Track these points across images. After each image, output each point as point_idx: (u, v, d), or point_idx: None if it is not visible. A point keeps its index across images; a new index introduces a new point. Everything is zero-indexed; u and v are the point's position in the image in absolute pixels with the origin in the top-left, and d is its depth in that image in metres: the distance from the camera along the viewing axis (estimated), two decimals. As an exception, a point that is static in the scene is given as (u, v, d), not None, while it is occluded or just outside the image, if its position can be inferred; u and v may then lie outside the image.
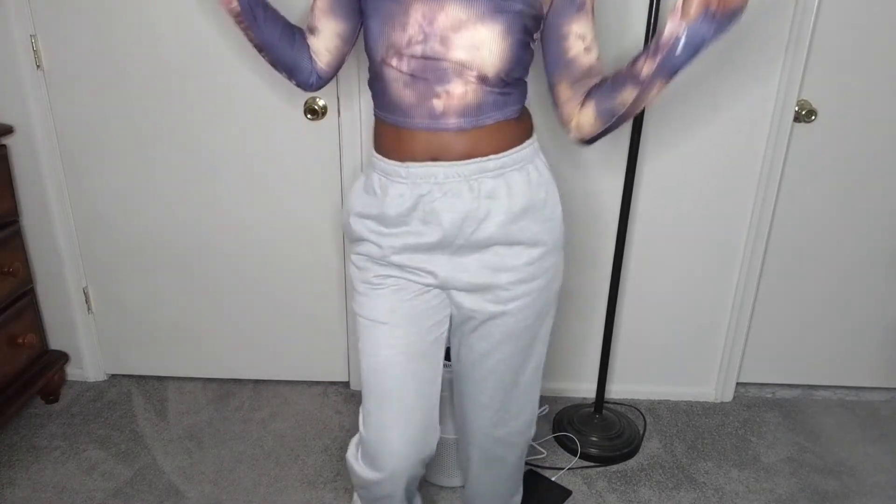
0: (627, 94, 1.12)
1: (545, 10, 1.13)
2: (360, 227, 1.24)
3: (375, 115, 1.22)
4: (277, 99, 1.86)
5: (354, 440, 1.31)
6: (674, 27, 1.03)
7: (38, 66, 1.86)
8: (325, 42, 1.26)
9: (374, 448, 1.22)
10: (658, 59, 1.06)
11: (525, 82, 1.19)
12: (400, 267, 1.22)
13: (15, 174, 1.97)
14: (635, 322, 2.12)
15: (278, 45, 1.25)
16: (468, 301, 1.24)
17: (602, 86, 1.16)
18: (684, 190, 1.95)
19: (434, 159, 1.15)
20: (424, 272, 1.22)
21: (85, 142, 1.95)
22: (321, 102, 1.85)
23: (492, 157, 1.15)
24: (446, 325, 1.29)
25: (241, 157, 1.94)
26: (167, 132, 1.92)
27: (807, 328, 2.17)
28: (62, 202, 2.01)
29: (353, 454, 1.29)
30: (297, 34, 1.27)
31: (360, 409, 1.28)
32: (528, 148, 1.20)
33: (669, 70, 1.07)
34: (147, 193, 2.00)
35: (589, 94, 1.17)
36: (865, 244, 2.06)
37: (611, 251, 2.01)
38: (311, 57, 1.27)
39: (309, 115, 1.86)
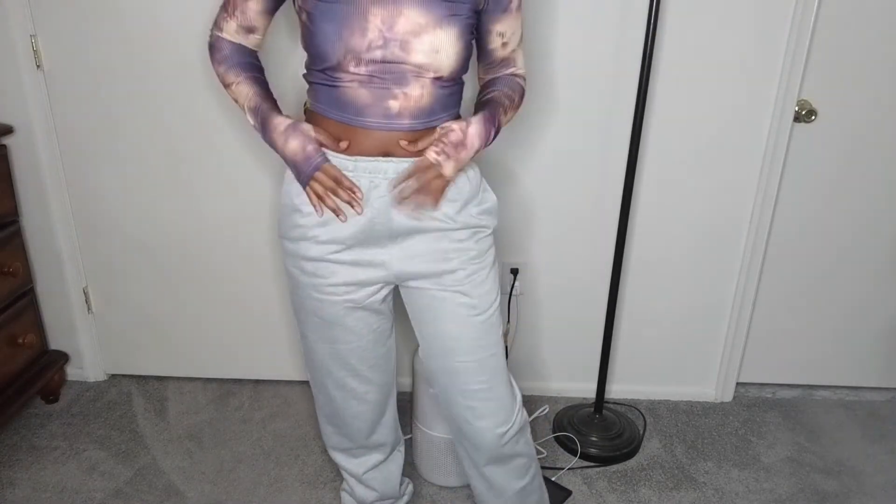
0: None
1: (480, 7, 1.21)
2: (300, 222, 1.23)
3: (316, 108, 1.21)
4: (278, 99, 1.85)
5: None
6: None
7: (38, 66, 1.86)
8: (261, 35, 1.28)
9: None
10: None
11: (463, 80, 1.26)
12: (349, 264, 1.23)
13: (15, 174, 1.97)
14: (635, 322, 2.12)
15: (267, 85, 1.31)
16: (426, 284, 1.26)
17: (481, 94, 1.31)
18: (684, 190, 1.95)
19: (385, 155, 1.18)
20: (374, 265, 1.24)
21: (85, 142, 1.95)
22: (321, 102, 1.85)
23: None
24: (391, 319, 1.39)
25: (242, 158, 1.94)
26: (167, 132, 1.92)
27: (807, 328, 2.17)
28: (62, 202, 2.01)
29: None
30: (253, 57, 1.29)
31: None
32: None
33: None
34: (147, 193, 2.00)
35: (480, 91, 1.32)
36: (865, 244, 2.06)
37: (611, 251, 2.01)
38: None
39: (309, 115, 1.86)
